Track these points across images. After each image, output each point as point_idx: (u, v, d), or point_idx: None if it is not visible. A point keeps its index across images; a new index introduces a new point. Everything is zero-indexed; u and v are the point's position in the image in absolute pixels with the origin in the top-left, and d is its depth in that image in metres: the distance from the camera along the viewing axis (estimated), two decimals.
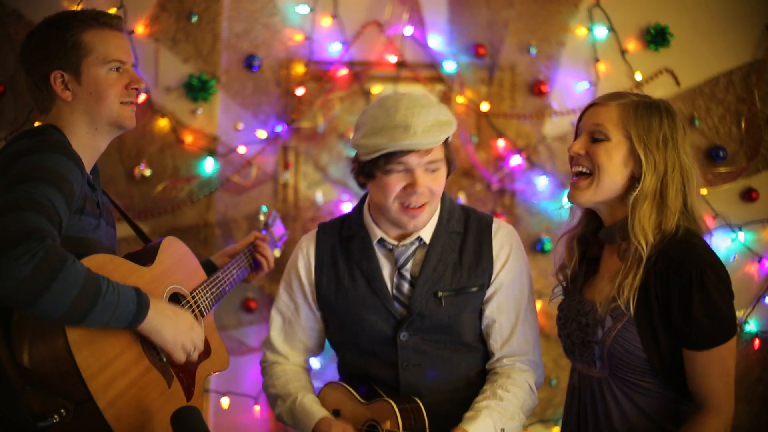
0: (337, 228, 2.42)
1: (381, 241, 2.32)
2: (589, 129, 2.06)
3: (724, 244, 3.45)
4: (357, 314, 2.31)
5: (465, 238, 2.33)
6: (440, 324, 2.27)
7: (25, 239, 1.64)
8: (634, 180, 2.02)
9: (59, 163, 1.85)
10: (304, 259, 2.41)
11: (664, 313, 1.95)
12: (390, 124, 2.14)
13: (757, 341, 3.41)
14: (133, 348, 1.88)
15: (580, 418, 2.14)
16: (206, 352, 2.18)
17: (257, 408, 3.47)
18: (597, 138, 2.04)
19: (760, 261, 3.46)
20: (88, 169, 2.06)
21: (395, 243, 2.30)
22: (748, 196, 3.48)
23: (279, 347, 2.45)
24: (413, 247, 2.31)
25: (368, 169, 2.22)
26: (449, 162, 2.27)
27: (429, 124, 2.14)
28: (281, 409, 2.37)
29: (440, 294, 2.26)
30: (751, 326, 3.41)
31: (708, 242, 2.02)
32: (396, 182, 2.19)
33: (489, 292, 2.31)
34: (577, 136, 2.13)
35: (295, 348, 2.46)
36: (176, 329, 1.93)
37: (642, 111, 2.02)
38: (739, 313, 3.40)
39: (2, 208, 1.69)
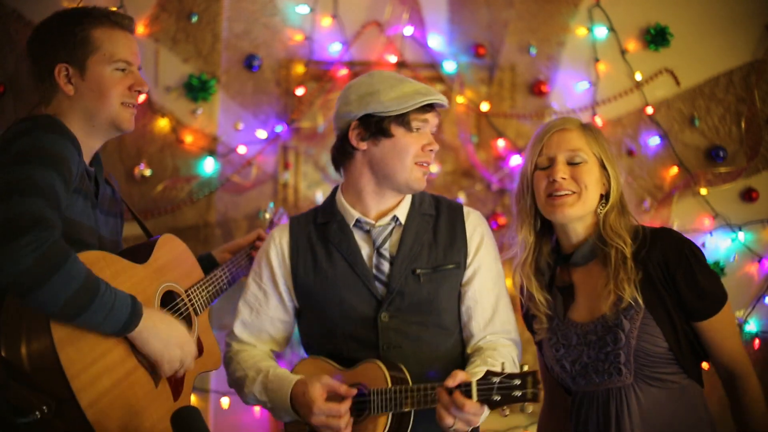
0: (311, 217, 2.42)
1: (358, 223, 2.32)
2: (566, 156, 2.20)
3: (724, 244, 3.45)
4: (337, 296, 2.29)
5: (437, 220, 2.37)
6: (420, 302, 2.27)
7: (32, 228, 1.65)
8: (602, 194, 2.22)
9: (55, 143, 1.86)
10: (277, 248, 2.38)
11: (675, 298, 2.10)
12: (408, 84, 2.26)
13: (757, 341, 3.40)
14: (120, 346, 1.88)
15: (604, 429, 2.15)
16: (199, 351, 2.16)
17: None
18: (575, 162, 2.19)
19: (760, 261, 3.45)
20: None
21: (372, 223, 2.31)
22: (748, 196, 3.47)
23: (245, 338, 2.40)
24: (390, 228, 2.32)
25: (387, 126, 2.24)
26: None
27: None
28: (251, 387, 2.28)
29: (418, 271, 2.28)
30: (751, 326, 3.40)
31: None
32: (418, 139, 2.26)
33: (468, 274, 2.33)
34: (545, 162, 2.22)
35: (261, 339, 2.40)
36: (167, 342, 1.93)
37: (594, 131, 2.24)
38: (739, 313, 3.40)
39: (5, 192, 1.70)
